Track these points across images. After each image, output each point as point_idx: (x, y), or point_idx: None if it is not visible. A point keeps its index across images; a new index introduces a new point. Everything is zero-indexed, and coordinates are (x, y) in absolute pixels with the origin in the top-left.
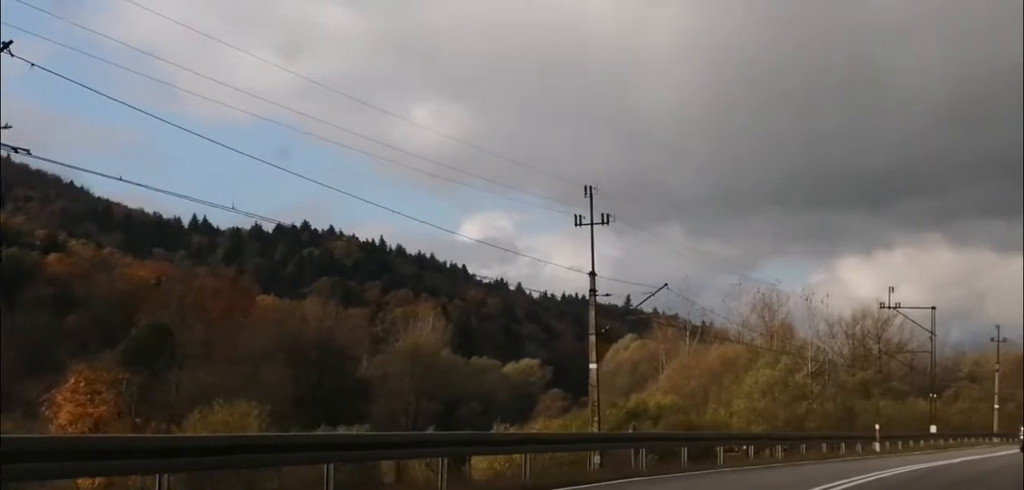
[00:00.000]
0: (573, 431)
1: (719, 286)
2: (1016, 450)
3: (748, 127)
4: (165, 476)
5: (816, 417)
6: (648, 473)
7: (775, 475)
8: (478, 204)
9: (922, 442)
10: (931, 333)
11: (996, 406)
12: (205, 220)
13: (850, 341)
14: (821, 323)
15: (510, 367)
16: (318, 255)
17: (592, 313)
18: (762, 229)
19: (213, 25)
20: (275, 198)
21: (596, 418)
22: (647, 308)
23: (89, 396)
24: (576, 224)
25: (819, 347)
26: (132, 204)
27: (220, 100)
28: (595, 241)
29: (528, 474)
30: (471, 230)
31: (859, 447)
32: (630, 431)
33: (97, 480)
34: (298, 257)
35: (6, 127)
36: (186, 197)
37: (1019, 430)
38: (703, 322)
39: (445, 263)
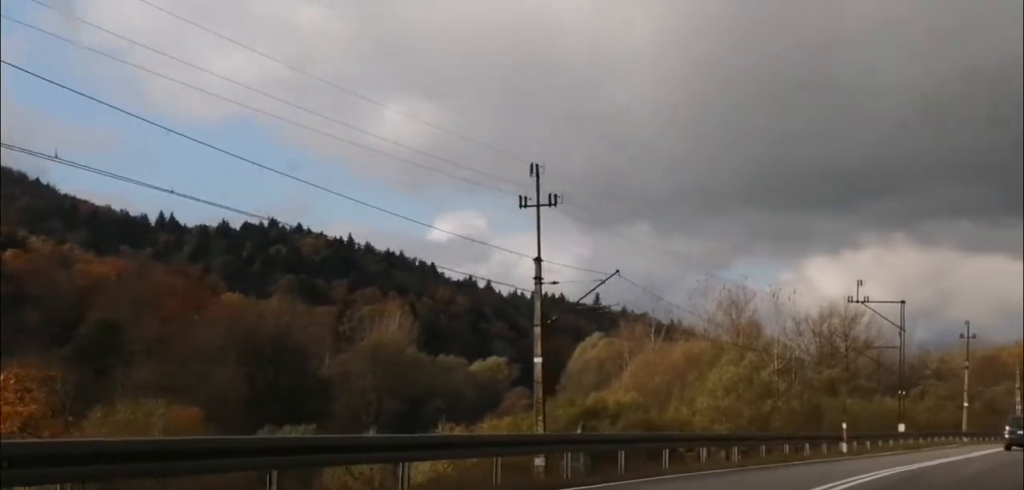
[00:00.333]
0: (520, 432)
1: (689, 285)
2: (999, 448)
3: (719, 126)
4: None
5: (782, 415)
6: (574, 482)
7: (725, 482)
8: (451, 203)
9: (891, 442)
10: (900, 328)
11: (966, 404)
12: (172, 217)
13: (817, 339)
14: (788, 320)
15: (477, 365)
16: (285, 253)
17: (537, 302)
18: (732, 228)
19: (181, 26)
20: (248, 196)
21: (540, 417)
22: (616, 307)
23: (19, 395)
24: (521, 205)
25: (786, 344)
26: (99, 202)
27: (193, 96)
28: (564, 240)
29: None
30: (443, 228)
31: (825, 448)
32: (578, 432)
33: None
34: (265, 255)
35: None
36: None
37: (995, 427)
38: (672, 320)
39: (414, 260)
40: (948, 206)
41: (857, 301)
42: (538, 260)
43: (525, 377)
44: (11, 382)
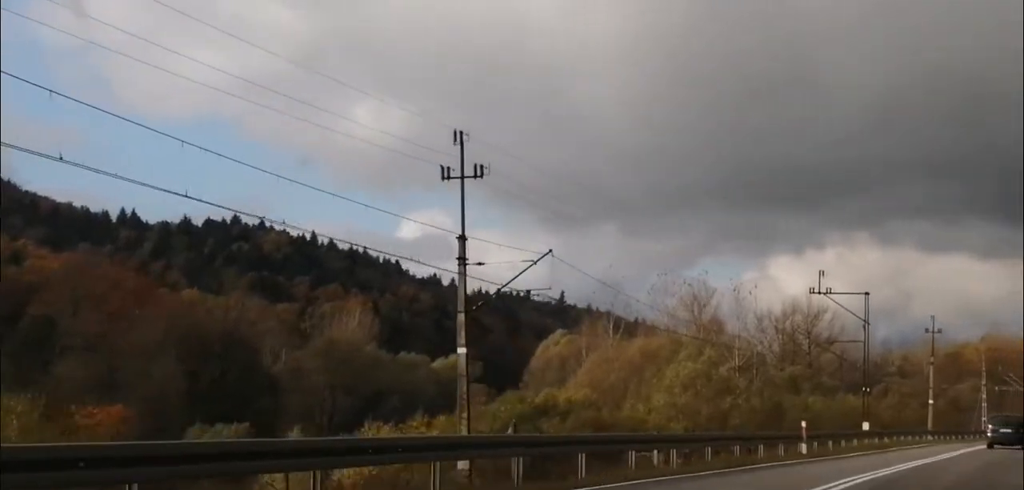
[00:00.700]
0: (438, 434)
1: (653, 283)
2: (977, 448)
3: (685, 126)
4: None
5: (741, 413)
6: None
7: None
8: (418, 202)
9: (855, 441)
10: (865, 321)
11: (931, 401)
12: (133, 214)
13: (780, 336)
14: (751, 317)
15: (439, 362)
16: (247, 250)
17: (461, 285)
18: (697, 227)
19: (148, 21)
20: (213, 194)
21: (465, 415)
22: (581, 305)
23: None
24: (443, 177)
25: (748, 341)
26: (61, 198)
27: (160, 91)
28: (528, 242)
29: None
30: (410, 227)
31: (782, 449)
32: (509, 432)
33: None
34: (227, 251)
35: None
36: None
37: (961, 425)
38: (636, 318)
39: (378, 258)
40: (911, 205)
41: (820, 292)
42: (462, 239)
43: (487, 374)
44: None
